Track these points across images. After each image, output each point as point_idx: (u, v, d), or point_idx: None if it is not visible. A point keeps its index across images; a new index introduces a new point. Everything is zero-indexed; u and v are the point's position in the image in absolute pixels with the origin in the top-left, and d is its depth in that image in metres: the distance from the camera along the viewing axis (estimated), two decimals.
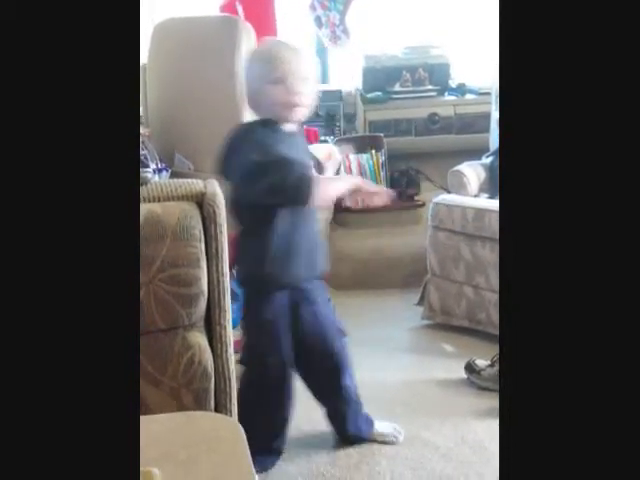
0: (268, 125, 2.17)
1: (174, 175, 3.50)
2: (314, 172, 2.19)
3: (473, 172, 3.64)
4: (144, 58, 3.87)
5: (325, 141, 4.16)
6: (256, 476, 1.36)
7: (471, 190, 3.58)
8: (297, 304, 2.25)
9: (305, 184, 2.09)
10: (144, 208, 1.81)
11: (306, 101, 2.15)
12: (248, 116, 3.53)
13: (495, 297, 3.18)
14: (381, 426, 2.50)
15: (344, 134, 4.37)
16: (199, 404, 1.83)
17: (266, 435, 2.29)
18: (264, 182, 2.08)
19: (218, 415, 1.81)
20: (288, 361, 2.27)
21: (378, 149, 4.12)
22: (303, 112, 2.17)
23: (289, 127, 2.19)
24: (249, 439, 1.44)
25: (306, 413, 2.44)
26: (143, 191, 1.87)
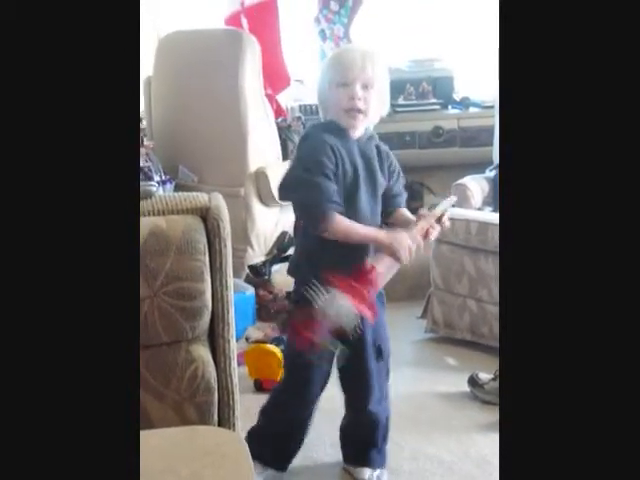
0: (331, 129, 2.12)
1: (178, 187, 3.52)
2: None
3: (477, 185, 3.65)
4: (149, 70, 3.89)
5: None
6: None
7: (475, 203, 3.58)
8: None
9: (313, 215, 2.05)
10: (149, 221, 1.81)
11: (369, 108, 2.09)
12: (252, 128, 3.55)
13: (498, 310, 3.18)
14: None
15: None
16: (202, 417, 1.83)
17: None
18: (291, 197, 2.13)
19: (222, 430, 1.81)
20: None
21: None
22: (365, 120, 2.12)
23: (358, 134, 2.14)
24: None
25: (313, 431, 2.42)
26: (148, 204, 1.87)
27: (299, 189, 2.07)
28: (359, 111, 2.08)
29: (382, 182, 2.19)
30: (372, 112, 2.12)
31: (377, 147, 2.20)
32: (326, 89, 2.14)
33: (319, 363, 2.19)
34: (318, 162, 2.04)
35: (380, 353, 2.26)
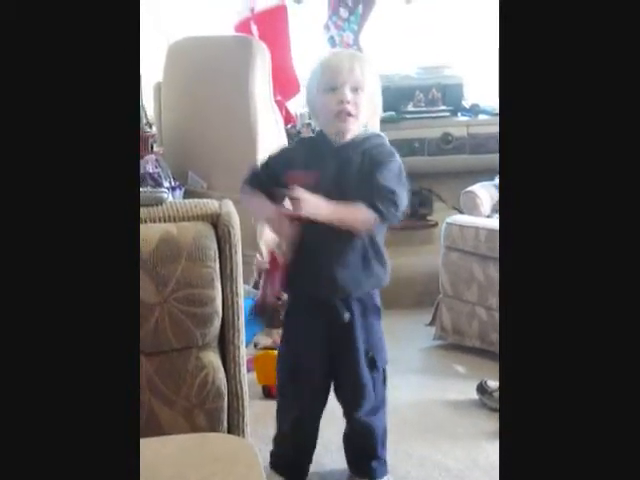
0: (313, 139, 2.19)
1: (188, 193, 3.52)
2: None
3: (486, 193, 3.64)
4: (159, 77, 3.90)
5: None
6: None
7: (484, 211, 3.58)
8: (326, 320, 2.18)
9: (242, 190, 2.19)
10: (159, 228, 1.82)
11: (359, 111, 2.07)
12: (262, 134, 3.56)
13: None
14: None
15: None
16: (212, 424, 1.83)
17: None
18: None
19: (232, 437, 1.81)
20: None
21: None
22: (356, 123, 2.09)
23: (346, 139, 2.11)
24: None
25: (320, 437, 2.42)
26: (158, 211, 1.88)
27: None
28: (349, 114, 2.06)
29: (356, 192, 2.06)
30: (363, 115, 2.10)
31: (364, 153, 2.10)
32: (315, 95, 2.13)
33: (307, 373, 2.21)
34: (268, 161, 2.21)
35: (373, 364, 2.23)
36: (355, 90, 2.06)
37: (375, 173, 2.06)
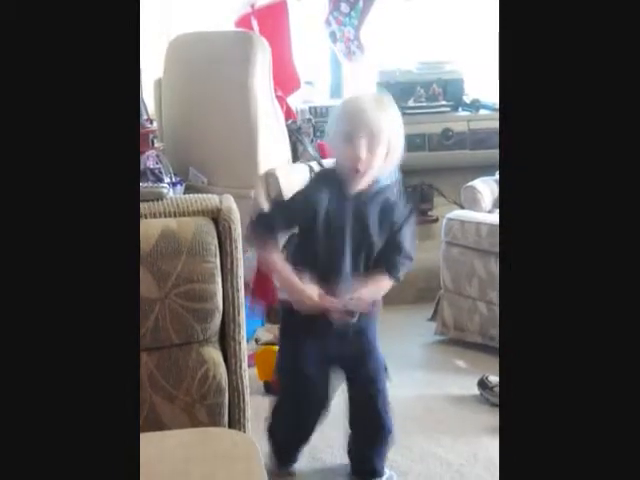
0: (333, 180, 2.13)
1: (188, 189, 3.52)
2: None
3: (487, 188, 3.64)
4: (159, 72, 3.89)
5: None
6: None
7: (485, 206, 3.58)
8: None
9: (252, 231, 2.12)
10: (160, 223, 1.82)
11: (372, 166, 2.06)
12: (262, 130, 3.55)
13: None
14: None
15: None
16: (213, 419, 1.84)
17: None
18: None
19: (234, 431, 1.81)
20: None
21: None
22: (370, 175, 2.08)
23: (363, 185, 2.11)
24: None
25: (322, 434, 2.42)
26: (159, 206, 1.88)
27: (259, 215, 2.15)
28: (360, 171, 2.05)
29: (376, 242, 2.15)
30: (377, 168, 2.08)
31: (385, 201, 2.14)
32: (334, 136, 2.12)
33: (313, 380, 2.22)
34: (288, 205, 2.15)
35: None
36: (372, 140, 2.04)
37: (397, 235, 2.15)
